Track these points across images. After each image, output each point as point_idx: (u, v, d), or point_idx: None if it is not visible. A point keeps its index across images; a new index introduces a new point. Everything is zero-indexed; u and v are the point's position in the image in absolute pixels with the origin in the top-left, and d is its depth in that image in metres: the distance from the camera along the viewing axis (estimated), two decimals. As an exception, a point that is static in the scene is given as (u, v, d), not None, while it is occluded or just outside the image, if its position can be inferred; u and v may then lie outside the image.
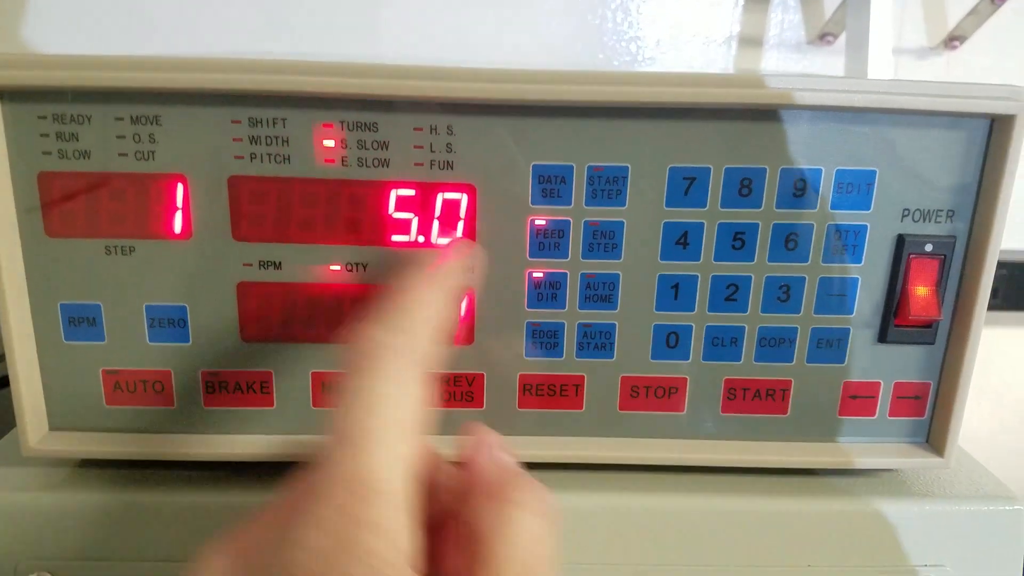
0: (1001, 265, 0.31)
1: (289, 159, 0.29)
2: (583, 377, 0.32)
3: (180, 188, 0.29)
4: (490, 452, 0.23)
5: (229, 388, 0.31)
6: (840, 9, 0.58)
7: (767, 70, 0.63)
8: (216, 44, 0.59)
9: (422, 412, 0.21)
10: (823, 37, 0.61)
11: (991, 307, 0.31)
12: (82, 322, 0.30)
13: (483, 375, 0.32)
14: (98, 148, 0.28)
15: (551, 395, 0.32)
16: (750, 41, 0.63)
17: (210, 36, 0.59)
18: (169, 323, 0.30)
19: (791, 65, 0.63)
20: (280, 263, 0.30)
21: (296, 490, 0.20)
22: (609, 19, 0.62)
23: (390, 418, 0.20)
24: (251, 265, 0.30)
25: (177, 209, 0.29)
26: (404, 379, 0.21)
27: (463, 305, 0.31)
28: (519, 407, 0.32)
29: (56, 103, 0.28)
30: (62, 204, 0.29)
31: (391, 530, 0.18)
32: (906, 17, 0.61)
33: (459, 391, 0.32)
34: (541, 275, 0.31)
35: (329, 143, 0.29)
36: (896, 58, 0.58)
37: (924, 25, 0.61)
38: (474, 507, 0.21)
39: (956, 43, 0.60)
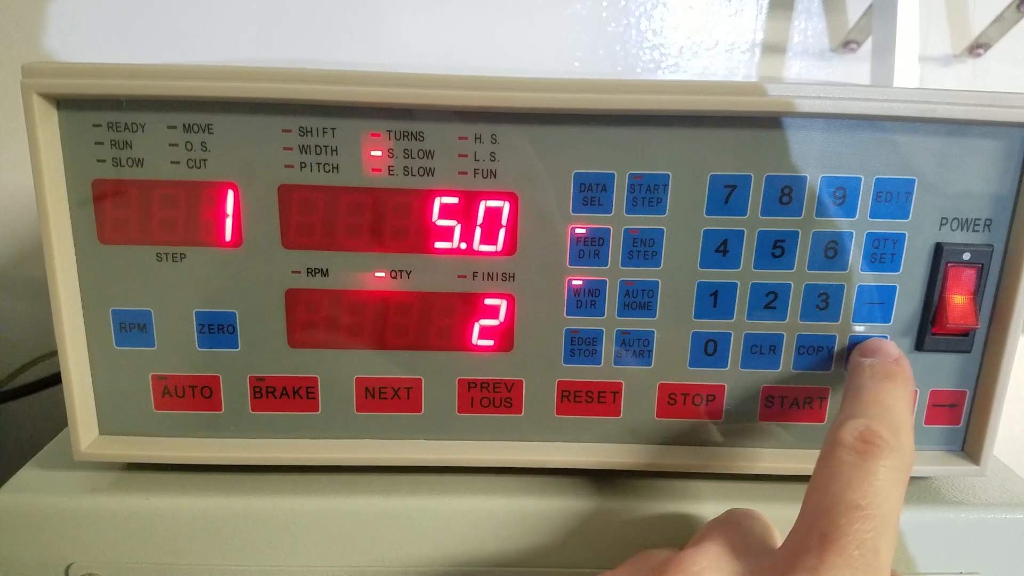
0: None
1: (338, 168, 0.29)
2: (621, 384, 0.32)
3: (231, 196, 0.29)
4: None
5: (276, 393, 0.32)
6: (864, 17, 0.59)
7: (790, 78, 0.63)
8: (215, 52, 0.59)
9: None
10: (847, 44, 0.61)
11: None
12: (133, 328, 0.30)
13: (522, 381, 0.32)
14: (151, 156, 0.29)
15: (589, 402, 0.32)
16: (773, 48, 0.63)
17: (210, 45, 0.59)
18: (218, 329, 0.31)
19: (815, 73, 0.63)
20: (327, 270, 0.30)
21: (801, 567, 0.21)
22: (632, 26, 0.62)
23: (897, 516, 0.22)
24: (299, 272, 0.30)
25: (228, 217, 0.29)
26: (903, 484, 0.23)
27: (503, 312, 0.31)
28: (557, 413, 0.33)
29: (110, 111, 0.28)
30: (115, 211, 0.29)
31: None
32: (930, 25, 0.61)
33: (498, 397, 0.32)
34: (581, 282, 0.31)
35: (376, 152, 0.29)
36: (921, 65, 0.58)
37: (948, 32, 0.61)
38: None
39: (980, 51, 0.60)
